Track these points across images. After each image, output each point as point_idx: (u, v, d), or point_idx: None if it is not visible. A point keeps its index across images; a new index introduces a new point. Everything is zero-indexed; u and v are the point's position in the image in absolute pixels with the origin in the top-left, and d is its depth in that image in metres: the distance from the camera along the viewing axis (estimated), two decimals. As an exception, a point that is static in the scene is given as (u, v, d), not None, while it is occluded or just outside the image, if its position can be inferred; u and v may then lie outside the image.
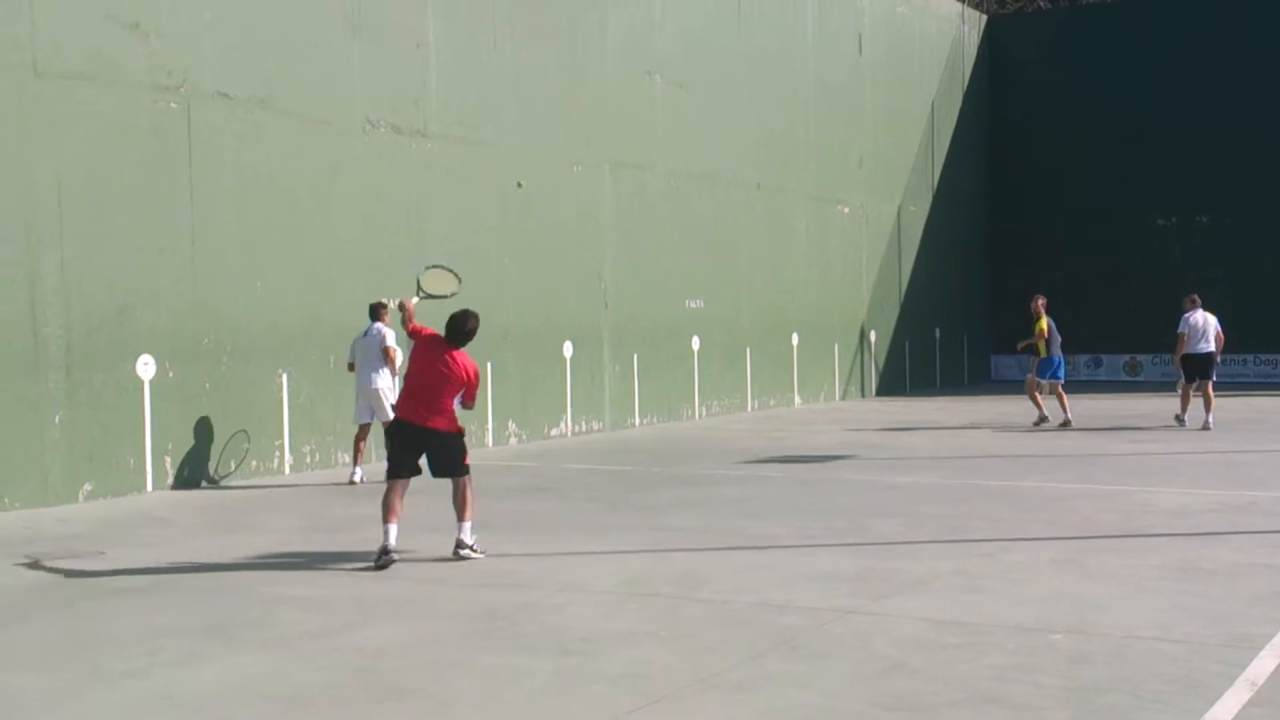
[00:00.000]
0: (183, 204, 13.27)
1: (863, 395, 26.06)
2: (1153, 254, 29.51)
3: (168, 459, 13.04)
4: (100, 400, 12.42)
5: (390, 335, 13.41)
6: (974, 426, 18.80)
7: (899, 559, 8.85)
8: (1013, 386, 27.94)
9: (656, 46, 20.19)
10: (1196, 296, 18.84)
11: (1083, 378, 29.53)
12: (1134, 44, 29.91)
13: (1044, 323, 18.75)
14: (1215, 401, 18.43)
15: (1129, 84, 29.73)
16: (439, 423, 8.95)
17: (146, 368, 12.86)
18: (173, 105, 13.17)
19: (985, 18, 31.85)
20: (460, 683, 6.00)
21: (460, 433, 9.09)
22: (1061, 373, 18.98)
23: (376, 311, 13.54)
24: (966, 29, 30.50)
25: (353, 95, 15.15)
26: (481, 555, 9.07)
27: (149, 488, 12.85)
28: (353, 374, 13.69)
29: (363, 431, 13.68)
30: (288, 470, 14.28)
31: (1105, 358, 30.09)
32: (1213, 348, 18.37)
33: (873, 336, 26.46)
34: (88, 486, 12.32)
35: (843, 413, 22.34)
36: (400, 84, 15.77)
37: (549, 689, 5.90)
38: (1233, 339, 28.56)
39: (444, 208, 16.41)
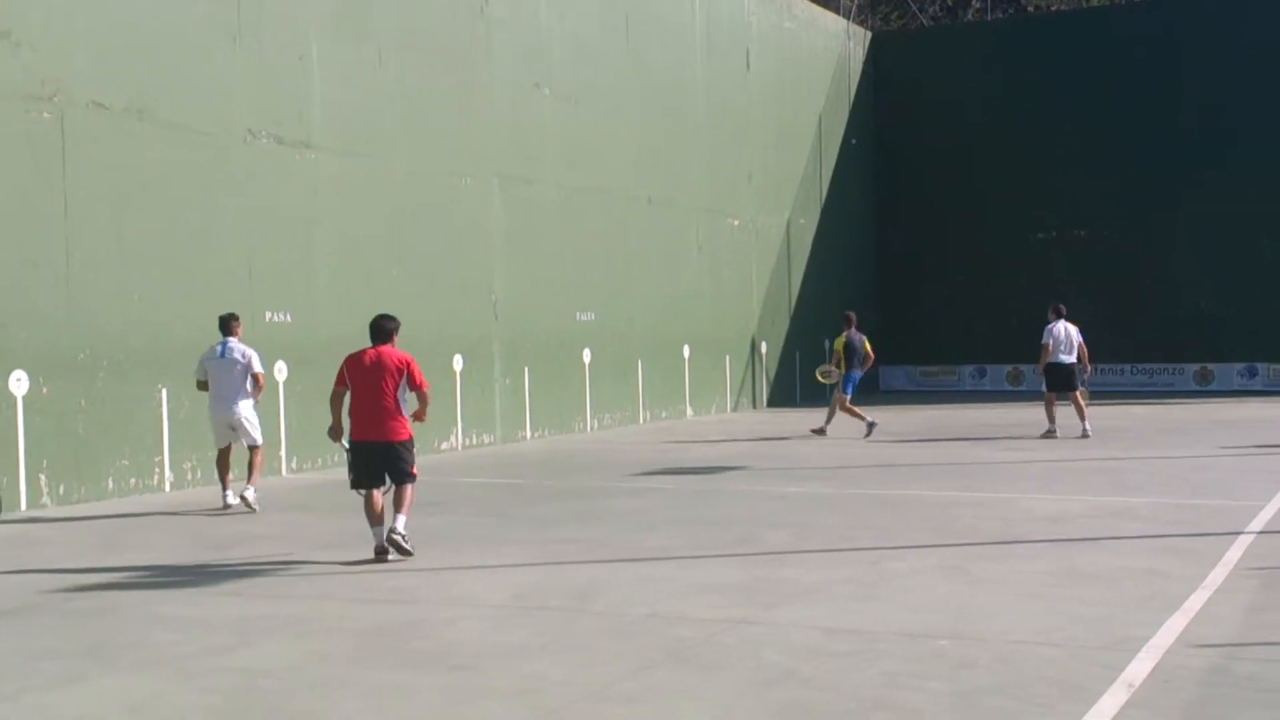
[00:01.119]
0: (56, 216, 12.90)
1: (754, 406, 26.26)
2: (1035, 266, 30.19)
3: (43, 476, 12.65)
4: (-30, 418, 12.00)
5: (258, 358, 12.43)
6: (862, 436, 19.02)
7: (789, 568, 8.91)
8: (901, 397, 28.41)
9: (545, 60, 20.16)
10: (1062, 307, 18.96)
11: (968, 388, 30.12)
12: (1013, 61, 30.64)
13: (841, 340, 19.35)
14: (1091, 409, 18.85)
15: (1010, 99, 30.44)
16: (394, 432, 9.67)
17: (19, 383, 12.47)
18: (46, 115, 12.80)
19: (870, 34, 32.39)
20: (347, 702, 5.89)
21: (410, 440, 9.83)
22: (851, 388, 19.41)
23: (229, 325, 12.50)
24: (852, 45, 30.97)
25: (234, 105, 14.88)
26: (410, 550, 9.54)
27: (23, 507, 12.45)
28: (204, 393, 12.59)
29: (224, 454, 12.54)
30: (168, 487, 13.95)
31: (989, 368, 30.72)
32: (1074, 358, 18.57)
33: (764, 348, 26.68)
34: (-42, 507, 11.91)
35: (734, 424, 22.48)
36: (283, 95, 15.52)
37: (439, 706, 5.82)
38: (1110, 349, 29.55)
39: (331, 220, 16.18)
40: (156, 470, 13.84)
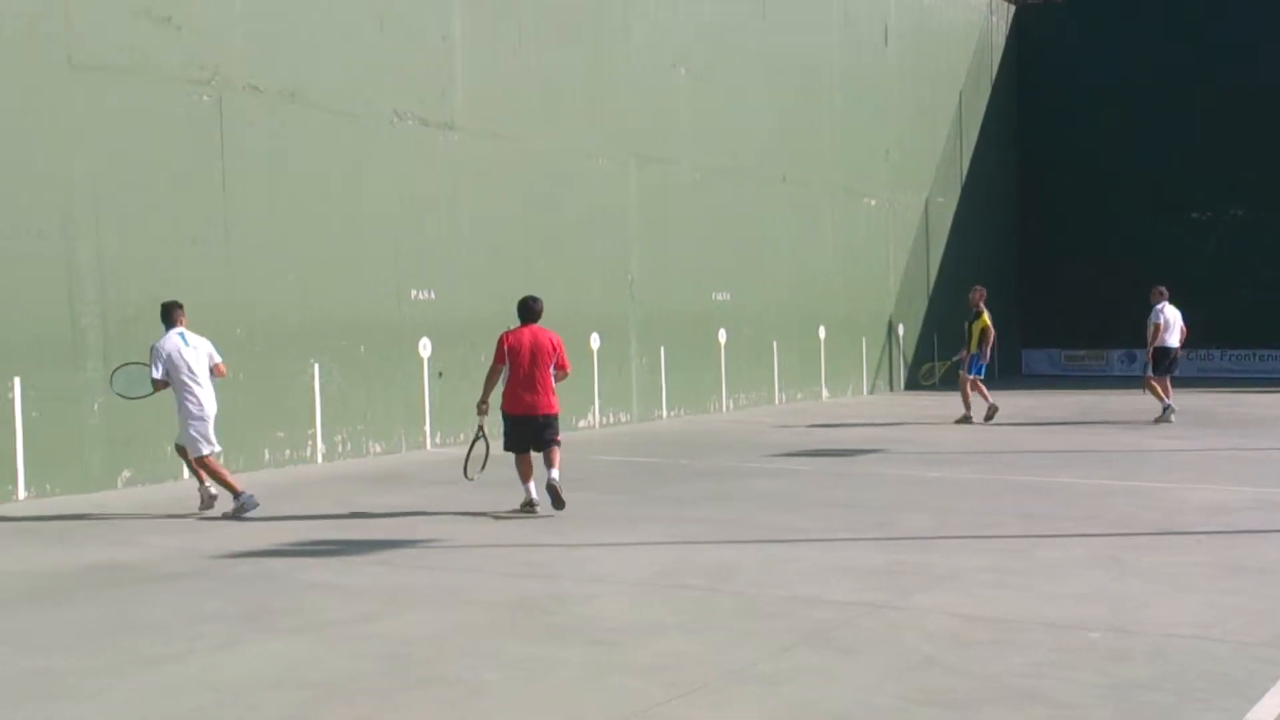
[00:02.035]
0: (215, 195, 13.35)
1: (890, 389, 26.01)
2: (1188, 247, 29.25)
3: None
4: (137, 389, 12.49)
5: (213, 347, 11.15)
6: (1005, 421, 18.70)
7: (930, 554, 8.84)
8: (1044, 381, 27.85)
9: (680, 40, 20.17)
10: (1164, 289, 18.86)
11: (1116, 372, 29.36)
12: (1164, 32, 29.67)
13: (986, 318, 19.05)
14: (1249, 396, 18.39)
15: (1160, 72, 29.50)
16: (550, 406, 10.63)
17: (180, 357, 12.93)
18: (205, 98, 13.25)
19: (1013, 7, 31.68)
20: (491, 671, 6.03)
21: (558, 413, 10.77)
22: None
23: (174, 313, 10.93)
24: (994, 19, 30.35)
25: (380, 87, 15.21)
26: (564, 500, 10.55)
27: (185, 475, 12.93)
28: (158, 391, 10.89)
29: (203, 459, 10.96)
30: (320, 459, 14.37)
31: (1139, 353, 29.89)
32: (1178, 342, 18.61)
33: (900, 330, 26.40)
34: (126, 473, 12.43)
35: (870, 406, 22.31)
36: (427, 76, 15.82)
37: (580, 679, 5.93)
38: (1268, 334, 28.46)
39: (471, 200, 16.46)
40: (309, 443, 14.28)
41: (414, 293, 15.61)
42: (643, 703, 5.54)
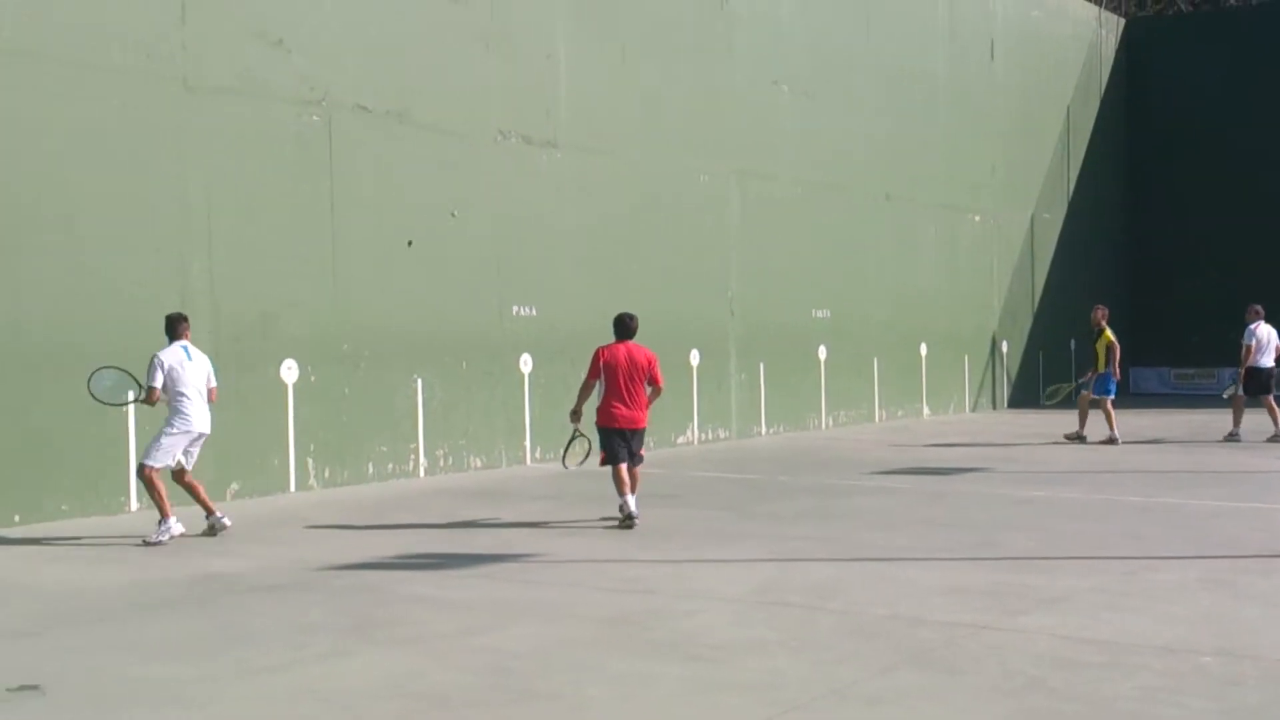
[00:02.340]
0: (324, 214, 13.63)
1: (994, 407, 25.65)
2: (1300, 264, 28.51)
3: (309, 460, 13.40)
4: (246, 403, 12.81)
5: (211, 367, 10.78)
6: (1111, 441, 18.34)
7: (1034, 575, 8.70)
8: (1153, 400, 27.26)
9: (783, 56, 20.16)
10: (1260, 308, 18.50)
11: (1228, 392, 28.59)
12: (1277, 44, 28.95)
13: (1109, 335, 18.42)
14: None
15: (1273, 87, 28.79)
16: (641, 419, 10.98)
17: (290, 372, 13.24)
18: (314, 118, 13.54)
19: (1123, 20, 31.16)
20: (593, 687, 6.06)
21: (645, 427, 11.13)
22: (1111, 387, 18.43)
23: (179, 326, 10.65)
24: (1104, 33, 29.86)
25: (485, 106, 15.41)
26: (638, 520, 10.78)
27: (292, 488, 13.22)
28: (143, 403, 10.52)
29: (182, 472, 10.63)
30: (422, 473, 14.56)
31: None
32: (1273, 362, 18.30)
33: (1004, 347, 26.04)
34: (234, 486, 12.71)
35: (973, 425, 22.03)
36: (531, 96, 15.99)
37: (680, 695, 5.94)
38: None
39: (573, 216, 16.59)
40: (411, 456, 14.48)
41: (516, 309, 15.77)
42: (743, 720, 5.54)
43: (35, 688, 6.05)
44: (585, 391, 11.04)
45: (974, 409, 24.96)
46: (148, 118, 12.11)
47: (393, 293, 14.33)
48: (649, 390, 11.03)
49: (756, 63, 19.59)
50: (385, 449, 14.20)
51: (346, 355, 13.78)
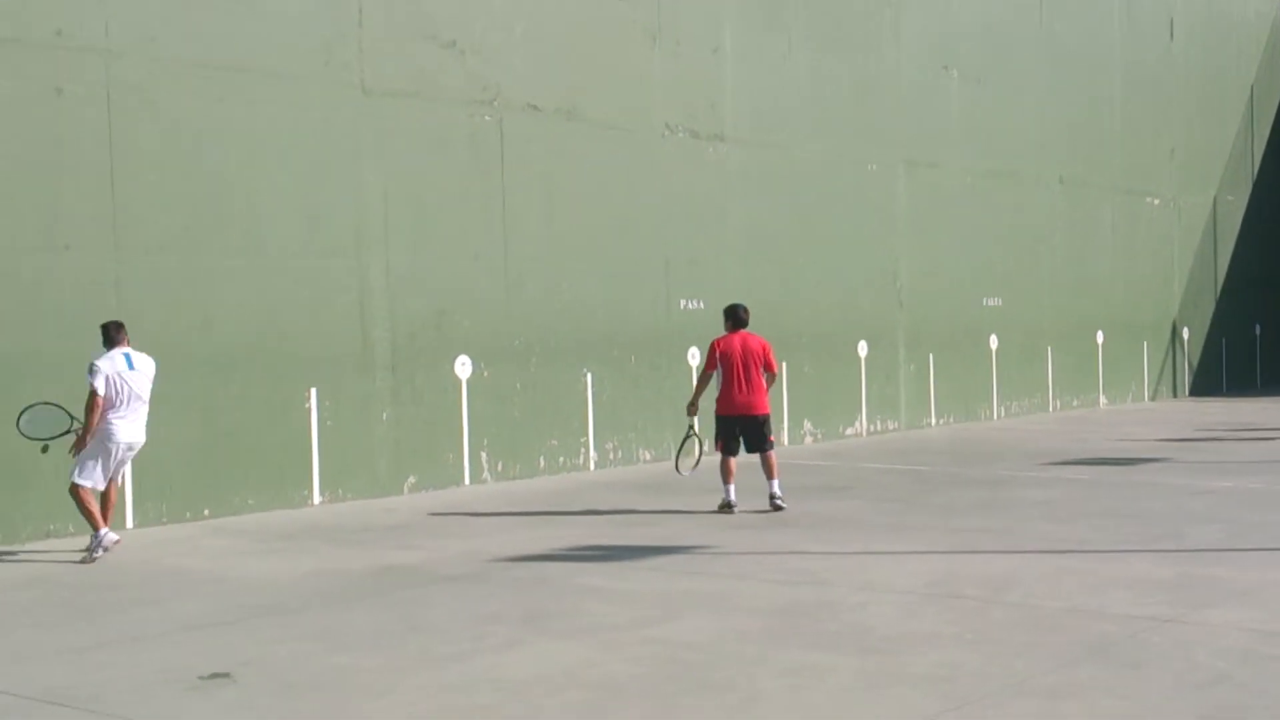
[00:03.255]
0: (496, 212, 13.92)
1: (1174, 395, 24.82)
2: None
3: (483, 454, 13.71)
4: (422, 399, 13.18)
5: (154, 370, 10.02)
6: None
7: (1220, 567, 8.44)
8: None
9: (952, 42, 19.82)
10: None
11: None
12: None
13: None
14: None
15: None
16: (760, 405, 11.28)
17: (464, 368, 13.57)
18: (486, 118, 13.83)
19: (1311, -6, 29.77)
20: (765, 679, 6.09)
21: (768, 413, 11.40)
22: None
23: (116, 334, 9.84)
24: (1290, 7, 28.60)
25: (652, 102, 15.53)
26: (785, 505, 11.20)
27: (466, 481, 13.54)
28: (108, 417, 9.61)
29: (110, 491, 9.93)
30: (592, 466, 14.77)
31: None
32: None
33: (1185, 334, 25.17)
34: (411, 479, 13.09)
35: (1153, 414, 21.36)
36: (697, 89, 16.05)
37: (853, 688, 5.93)
38: None
39: (740, 210, 16.60)
40: (582, 450, 14.70)
41: (683, 302, 15.86)
42: (919, 714, 5.51)
43: (226, 675, 6.32)
44: (703, 383, 11.50)
45: (1154, 398, 24.19)
46: (326, 121, 12.52)
47: (562, 288, 14.56)
48: (765, 377, 11.40)
49: (924, 49, 19.32)
50: (556, 443, 14.44)
51: (518, 351, 14.05)
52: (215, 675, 6.32)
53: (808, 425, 17.38)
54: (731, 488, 11.28)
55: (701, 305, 15.96)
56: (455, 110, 13.54)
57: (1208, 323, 25.84)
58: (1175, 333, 24.92)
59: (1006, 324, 20.72)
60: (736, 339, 11.42)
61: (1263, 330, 27.36)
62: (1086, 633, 6.78)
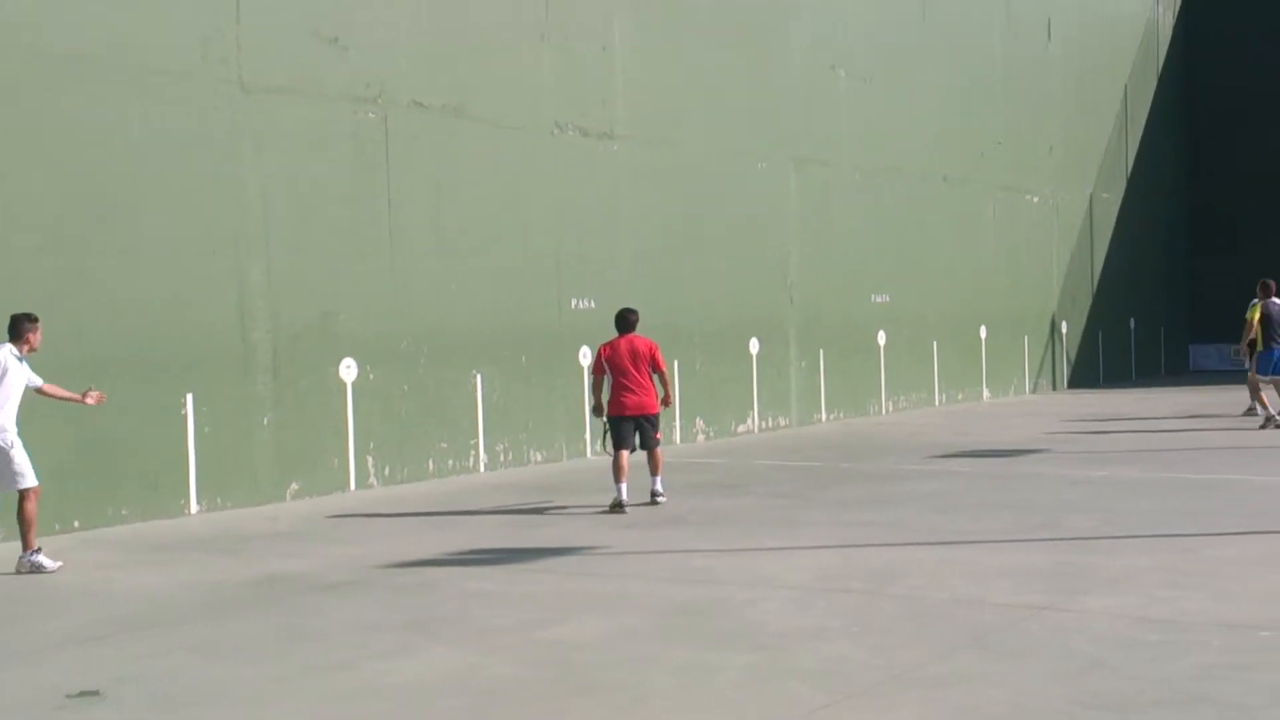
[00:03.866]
0: (381, 211, 13.75)
1: (1054, 388, 25.41)
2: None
3: (370, 458, 13.53)
4: (305, 402, 12.95)
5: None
6: (1172, 418, 18.11)
7: (1096, 555, 8.65)
8: (1212, 377, 26.87)
9: (840, 41, 20.05)
10: (1271, 283, 17.66)
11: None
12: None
13: (1253, 312, 17.53)
14: None
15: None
16: (650, 405, 11.62)
17: (349, 370, 13.38)
18: (371, 115, 13.66)
19: (1181, -4, 30.68)
20: (655, 678, 6.09)
21: (658, 412, 11.74)
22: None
23: (21, 327, 9.38)
24: (1160, 8, 29.43)
25: (542, 99, 15.47)
26: (665, 500, 11.60)
27: (352, 486, 13.36)
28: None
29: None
30: (483, 469, 14.66)
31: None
32: None
33: (1064, 328, 25.78)
34: (294, 486, 12.87)
35: (1034, 406, 21.84)
36: (587, 87, 16.03)
37: (742, 684, 5.96)
38: None
39: (631, 208, 16.61)
40: (472, 452, 14.58)
41: (575, 302, 15.83)
42: (806, 707, 5.55)
43: (96, 693, 6.11)
44: (596, 388, 11.82)
45: (1034, 390, 24.74)
46: (203, 117, 12.23)
47: (451, 289, 14.43)
48: (655, 377, 11.76)
49: (813, 49, 19.51)
50: (445, 445, 14.31)
51: (405, 352, 13.90)
52: (84, 693, 6.11)
53: (700, 423, 17.45)
54: (623, 486, 11.40)
55: (593, 305, 15.94)
56: (338, 107, 13.35)
57: (1085, 317, 26.49)
58: (1054, 327, 25.51)
59: (894, 320, 21.03)
60: (623, 343, 11.73)
61: (1136, 324, 28.14)
62: (968, 622, 6.91)
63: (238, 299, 12.43)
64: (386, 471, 13.69)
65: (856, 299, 20.33)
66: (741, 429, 18.19)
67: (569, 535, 10.24)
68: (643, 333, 12.06)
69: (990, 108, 23.52)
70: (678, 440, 17.06)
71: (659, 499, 11.61)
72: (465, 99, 14.60)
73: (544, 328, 15.44)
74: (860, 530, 10.02)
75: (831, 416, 19.76)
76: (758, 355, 18.42)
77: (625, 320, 11.90)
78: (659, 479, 11.68)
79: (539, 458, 15.30)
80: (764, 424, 18.58)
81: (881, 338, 20.78)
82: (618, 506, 11.34)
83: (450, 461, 14.35)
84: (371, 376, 13.54)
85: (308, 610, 7.85)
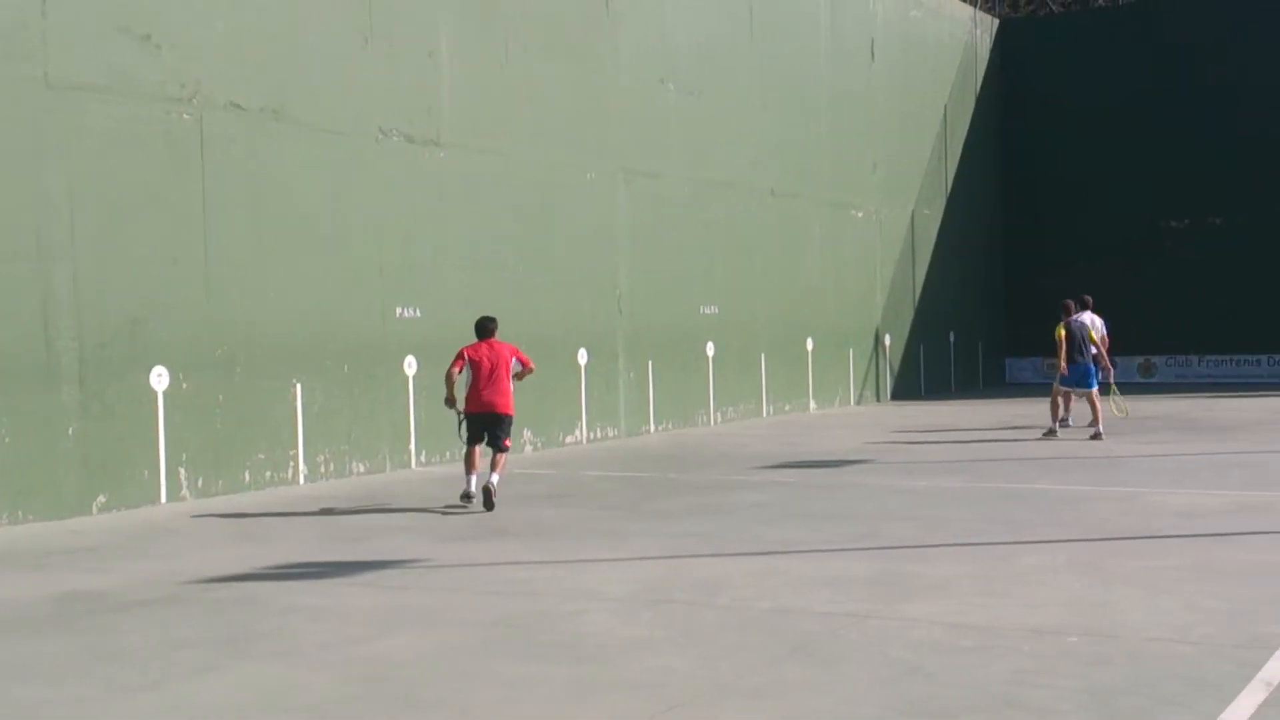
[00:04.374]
0: (195, 215, 13.30)
1: (878, 400, 26.01)
2: (1166, 256, 29.43)
3: (182, 470, 13.06)
4: (114, 412, 12.43)
5: None
6: (989, 429, 18.69)
7: (915, 563, 8.82)
8: (1028, 390, 27.85)
9: (669, 55, 20.19)
10: (1088, 298, 18.71)
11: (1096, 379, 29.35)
12: (1146, 46, 29.82)
13: (1059, 329, 18.13)
14: (1231, 400, 18.38)
15: (1142, 85, 29.64)
16: (504, 405, 12.09)
17: (160, 379, 12.89)
18: (185, 116, 13.21)
19: (997, 21, 31.80)
20: (477, 692, 5.99)
21: (511, 415, 12.21)
22: (1089, 380, 17.87)
23: None
24: (979, 32, 30.45)
25: (365, 104, 15.17)
26: (495, 500, 11.86)
27: (163, 499, 12.87)
28: None
29: None
30: (302, 480, 14.29)
31: (1120, 360, 29.92)
32: (1093, 353, 18.04)
33: (887, 341, 26.41)
34: (101, 499, 12.33)
35: (858, 417, 22.30)
36: (413, 94, 15.79)
37: (566, 697, 5.89)
38: (1246, 340, 28.70)
39: (458, 216, 16.42)
40: (291, 464, 14.20)
41: (399, 310, 15.56)
42: (629, 719, 5.51)
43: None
44: (450, 380, 12.08)
45: (859, 402, 25.27)
46: (5, 116, 11.67)
47: (269, 295, 14.03)
48: (520, 369, 12.26)
49: (642, 61, 19.59)
50: (263, 456, 13.90)
51: (220, 360, 13.45)
52: None
53: (527, 434, 17.33)
54: (473, 478, 11.94)
55: (418, 313, 15.70)
56: (150, 107, 12.87)
57: (907, 330, 27.19)
58: (878, 340, 26.12)
59: (723, 331, 21.23)
60: (484, 346, 12.22)
61: (956, 338, 29.01)
62: (791, 631, 6.96)
63: (41, 306, 11.87)
64: (200, 483, 13.23)
65: (685, 310, 20.47)
66: (570, 440, 18.12)
67: (391, 548, 10.03)
68: (472, 340, 12.13)
69: (816, 124, 23.97)
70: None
71: (492, 497, 11.82)
72: (285, 101, 14.23)
73: (368, 336, 15.14)
74: (686, 541, 10.04)
75: (660, 427, 19.85)
76: (586, 366, 18.39)
77: (484, 328, 12.35)
78: (497, 476, 12.00)
79: (362, 469, 14.99)
80: (592, 435, 18.55)
81: (710, 349, 20.96)
82: (465, 497, 11.89)
83: (268, 473, 13.95)
84: (185, 385, 13.07)
85: (114, 628, 7.52)
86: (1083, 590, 7.81)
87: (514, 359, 12.23)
